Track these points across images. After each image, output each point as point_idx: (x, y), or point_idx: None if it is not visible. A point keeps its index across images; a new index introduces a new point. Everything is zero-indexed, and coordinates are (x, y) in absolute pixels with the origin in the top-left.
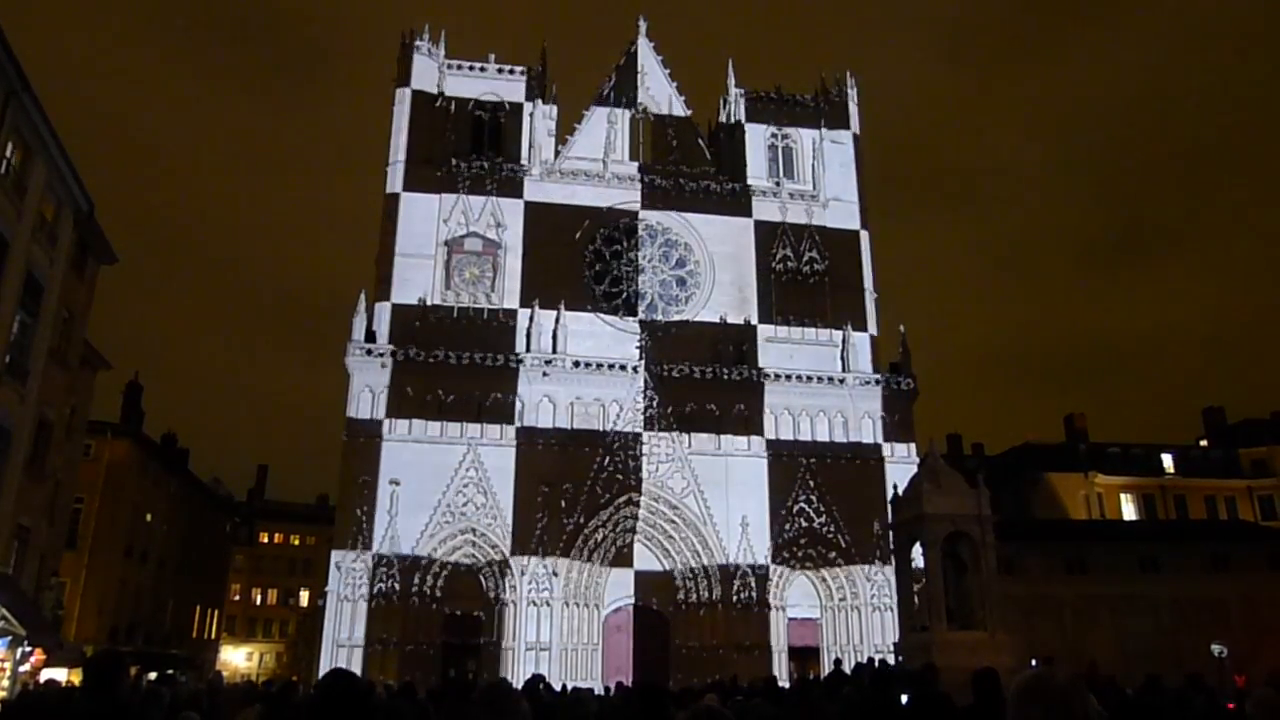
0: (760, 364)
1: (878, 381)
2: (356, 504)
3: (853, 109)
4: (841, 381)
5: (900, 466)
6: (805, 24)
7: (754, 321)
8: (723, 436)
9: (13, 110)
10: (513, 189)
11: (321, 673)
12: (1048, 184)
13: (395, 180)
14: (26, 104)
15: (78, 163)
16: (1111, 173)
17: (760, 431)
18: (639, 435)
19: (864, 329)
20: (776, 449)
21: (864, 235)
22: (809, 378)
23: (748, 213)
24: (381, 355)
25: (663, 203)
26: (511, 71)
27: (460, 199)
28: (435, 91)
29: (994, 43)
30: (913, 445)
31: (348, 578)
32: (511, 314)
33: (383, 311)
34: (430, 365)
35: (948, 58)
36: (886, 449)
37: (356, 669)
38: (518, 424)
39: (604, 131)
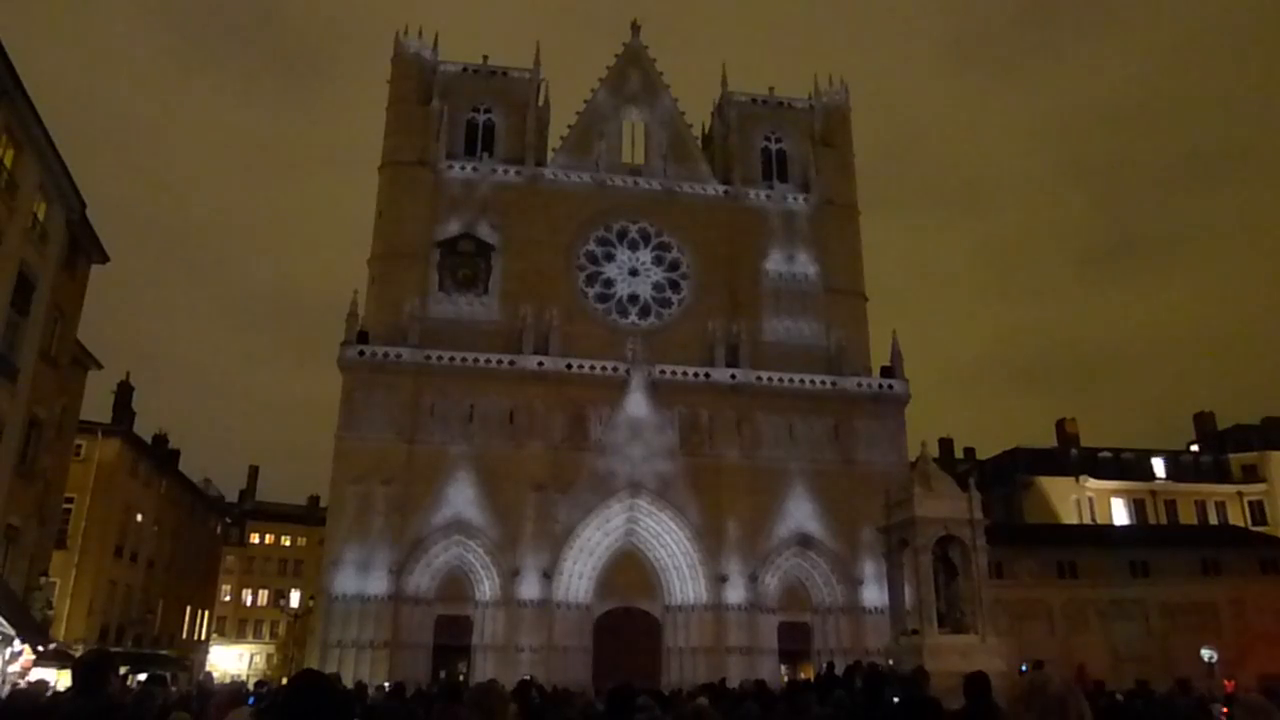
0: (752, 367)
1: (869, 385)
2: (348, 505)
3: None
4: (833, 385)
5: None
6: (803, 30)
7: (745, 324)
8: (716, 437)
9: (4, 109)
10: (506, 190)
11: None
12: (1043, 190)
13: (388, 181)
14: (18, 103)
15: (70, 162)
16: (1106, 179)
17: (752, 434)
18: (631, 436)
19: (858, 331)
20: (768, 452)
21: (859, 238)
22: (800, 381)
23: (740, 215)
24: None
25: (656, 204)
26: (505, 73)
27: (453, 200)
28: (429, 92)
29: (992, 49)
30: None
31: (339, 579)
32: (503, 315)
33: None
34: (421, 366)
35: (945, 64)
36: (878, 454)
37: (348, 670)
38: (509, 424)
39: (598, 133)
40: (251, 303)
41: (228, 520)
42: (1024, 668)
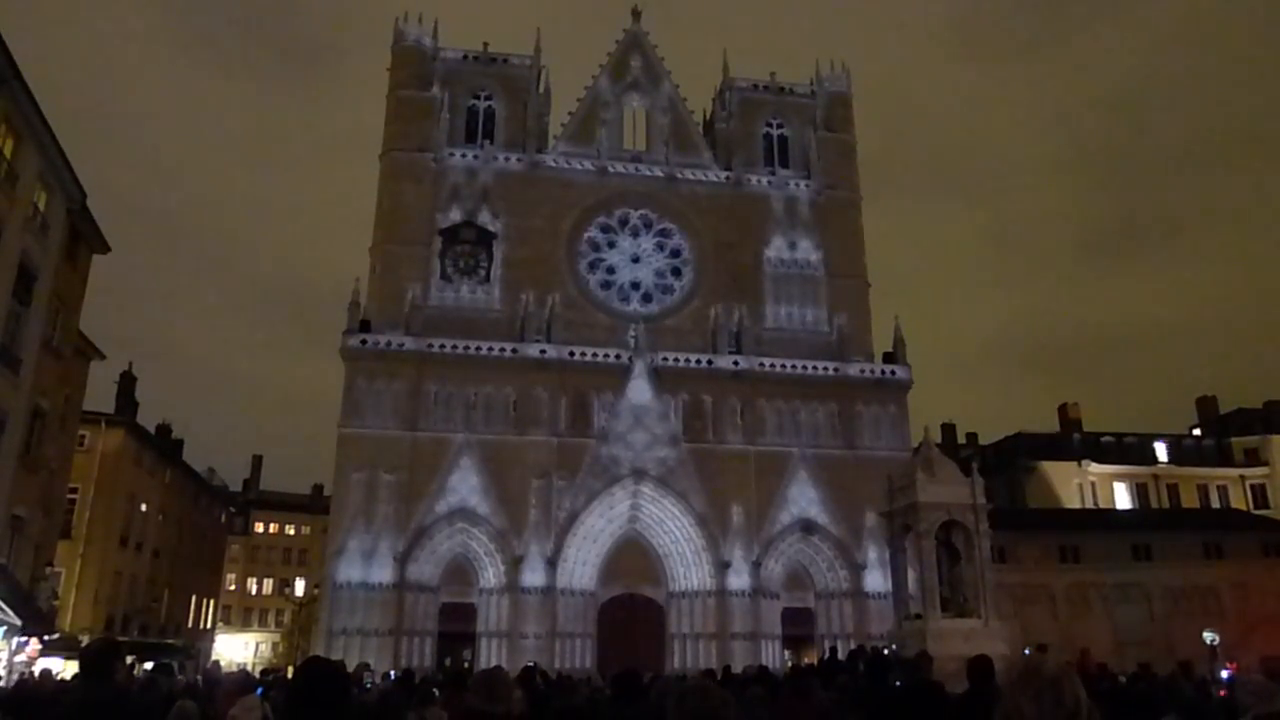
0: (755, 353)
1: (871, 371)
2: (351, 494)
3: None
4: (836, 371)
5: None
6: (804, 15)
7: (747, 311)
8: (718, 423)
9: (4, 99)
10: (507, 177)
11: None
12: (1046, 174)
13: (389, 169)
14: (17, 92)
15: (70, 152)
16: (1109, 163)
17: (755, 420)
18: (634, 424)
19: (861, 317)
20: (771, 438)
21: (860, 223)
22: (802, 367)
23: (742, 201)
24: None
25: (658, 190)
26: (505, 60)
27: (454, 188)
28: (429, 80)
29: (995, 34)
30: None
31: (343, 567)
32: (506, 303)
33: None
34: (424, 355)
35: (948, 48)
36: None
37: (353, 657)
38: (512, 412)
39: (599, 120)
40: (254, 292)
41: (232, 509)
42: (1026, 651)
